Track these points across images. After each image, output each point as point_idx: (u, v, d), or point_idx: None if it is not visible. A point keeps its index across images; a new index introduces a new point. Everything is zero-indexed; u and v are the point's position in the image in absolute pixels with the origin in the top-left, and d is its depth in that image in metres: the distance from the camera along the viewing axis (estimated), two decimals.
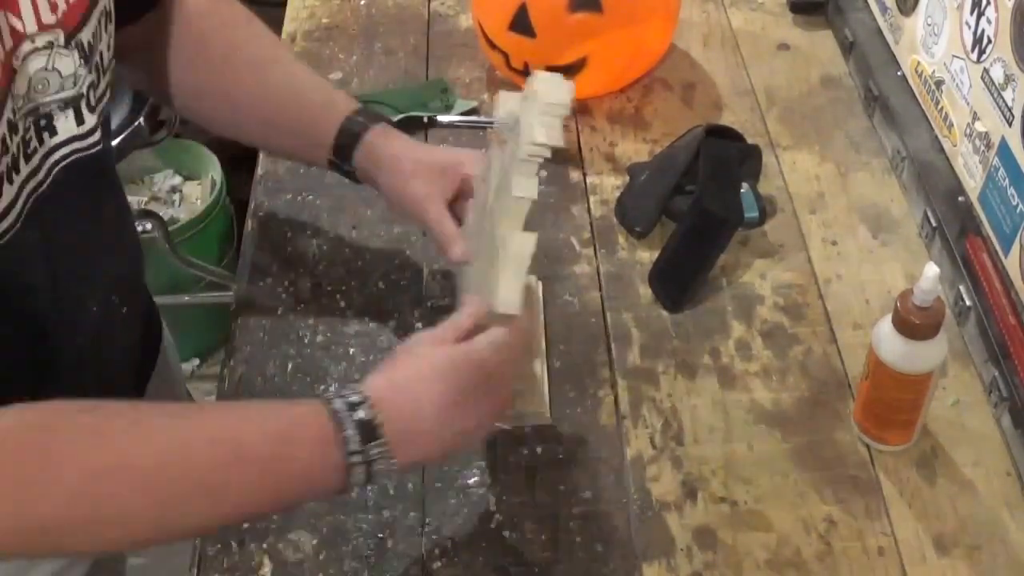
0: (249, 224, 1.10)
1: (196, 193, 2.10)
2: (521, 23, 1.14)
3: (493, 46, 1.19)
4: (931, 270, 0.77)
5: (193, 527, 0.71)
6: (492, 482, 0.87)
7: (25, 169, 0.69)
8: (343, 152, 0.93)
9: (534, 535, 0.83)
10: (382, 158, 0.93)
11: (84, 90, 0.72)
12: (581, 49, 1.15)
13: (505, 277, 0.73)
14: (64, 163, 0.73)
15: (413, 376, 0.73)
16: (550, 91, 0.71)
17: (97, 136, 0.75)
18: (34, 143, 0.70)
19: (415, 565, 0.81)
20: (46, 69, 0.68)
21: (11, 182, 0.67)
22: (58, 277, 0.76)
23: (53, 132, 0.71)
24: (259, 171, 1.16)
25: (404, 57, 1.30)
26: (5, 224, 0.67)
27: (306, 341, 0.98)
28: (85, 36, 0.71)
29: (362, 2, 1.39)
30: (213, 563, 0.83)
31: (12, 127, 0.66)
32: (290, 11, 1.39)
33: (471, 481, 0.87)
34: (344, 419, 0.70)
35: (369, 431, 0.70)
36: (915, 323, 0.79)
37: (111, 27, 0.75)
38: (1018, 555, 0.81)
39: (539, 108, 0.71)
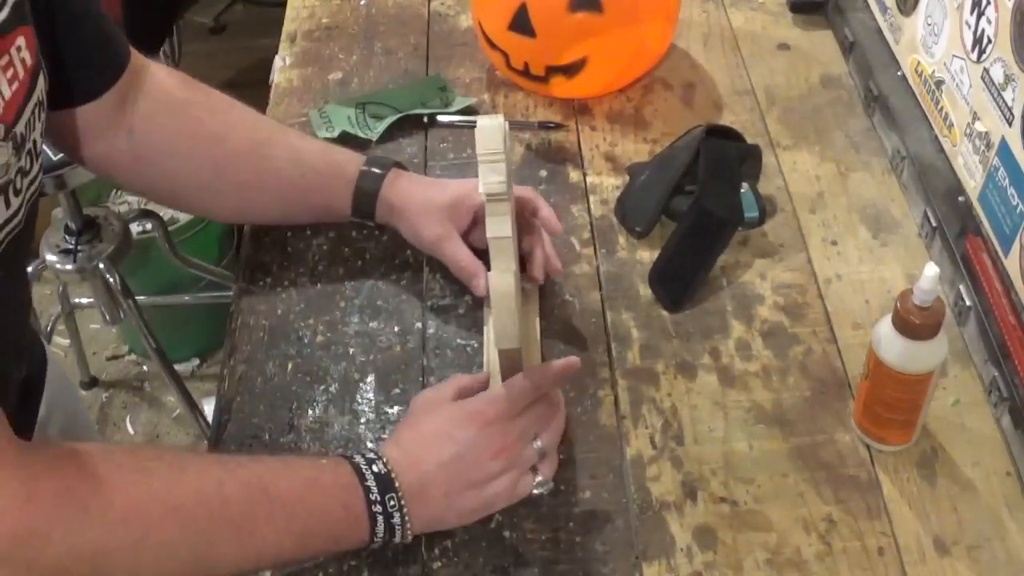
0: (249, 224, 1.10)
1: None
2: (521, 23, 1.14)
3: (493, 46, 1.19)
4: (931, 270, 0.77)
5: (225, 566, 0.73)
6: None
7: None
8: (363, 213, 1.00)
9: (534, 535, 0.83)
10: (394, 209, 0.99)
11: (12, 176, 0.72)
12: (581, 49, 1.14)
13: (496, 316, 0.78)
14: None
15: (417, 438, 0.81)
16: (482, 140, 0.75)
17: (19, 218, 0.75)
18: None
19: (415, 565, 0.81)
20: None
21: None
22: None
23: None
24: None
25: (404, 57, 1.30)
26: None
27: (306, 341, 0.98)
28: (19, 128, 0.72)
29: (362, 2, 1.39)
30: None
31: None
32: (290, 11, 1.39)
33: None
34: (364, 471, 0.77)
35: (387, 483, 0.77)
36: (915, 323, 0.79)
37: (44, 115, 0.76)
38: (1018, 555, 0.81)
39: (478, 157, 0.75)
